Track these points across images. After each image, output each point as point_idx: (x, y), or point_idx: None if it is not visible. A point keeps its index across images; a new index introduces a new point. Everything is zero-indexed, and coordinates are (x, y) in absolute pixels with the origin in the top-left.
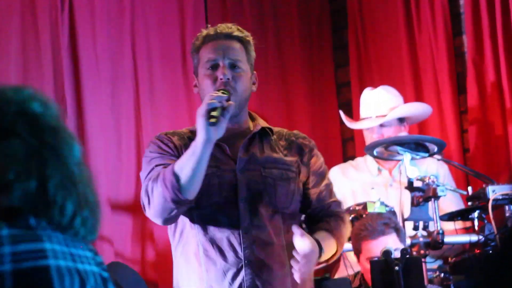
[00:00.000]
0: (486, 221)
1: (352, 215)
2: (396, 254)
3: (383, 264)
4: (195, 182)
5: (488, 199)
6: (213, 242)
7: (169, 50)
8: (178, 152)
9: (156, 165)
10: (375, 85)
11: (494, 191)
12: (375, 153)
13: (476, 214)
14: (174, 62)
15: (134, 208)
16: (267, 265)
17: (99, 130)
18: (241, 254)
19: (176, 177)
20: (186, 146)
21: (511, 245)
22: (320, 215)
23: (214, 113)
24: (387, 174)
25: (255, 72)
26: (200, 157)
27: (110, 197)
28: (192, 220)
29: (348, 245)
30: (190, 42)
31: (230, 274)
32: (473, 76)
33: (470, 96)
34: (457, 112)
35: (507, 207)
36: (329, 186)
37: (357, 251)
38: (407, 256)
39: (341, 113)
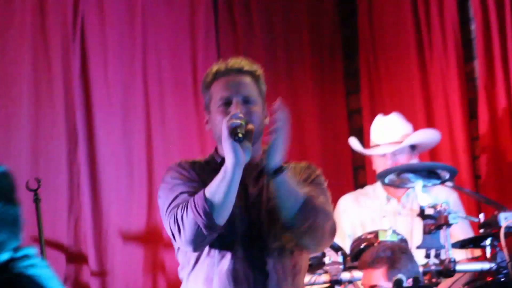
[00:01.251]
0: (498, 249)
1: (364, 244)
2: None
3: None
4: (226, 207)
5: (500, 226)
6: (228, 272)
7: (180, 79)
8: (199, 179)
9: (181, 192)
10: (386, 111)
11: (506, 218)
12: (386, 180)
13: (488, 241)
14: (185, 91)
15: (146, 239)
16: None
17: (111, 160)
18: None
19: (209, 202)
20: (206, 174)
21: None
22: None
23: (238, 130)
24: (395, 203)
25: (265, 104)
26: (231, 181)
27: (122, 228)
28: (211, 248)
29: (359, 274)
30: (202, 71)
31: None
32: (484, 101)
33: (481, 122)
34: (468, 138)
35: None
36: (324, 192)
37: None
38: (420, 284)
39: (353, 140)
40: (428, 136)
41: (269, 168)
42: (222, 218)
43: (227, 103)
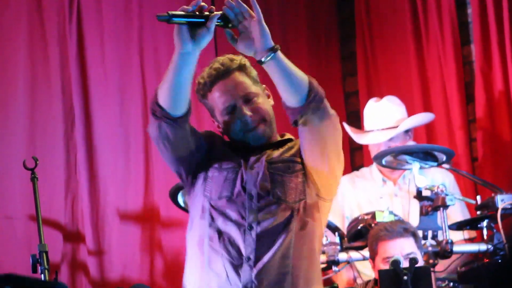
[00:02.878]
0: (495, 230)
1: (361, 225)
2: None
3: (392, 274)
4: (176, 93)
5: (497, 208)
6: (220, 234)
7: None
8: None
9: None
10: (383, 94)
11: (503, 200)
12: (384, 162)
13: (485, 223)
14: None
15: (143, 218)
16: (266, 264)
17: (107, 141)
18: (243, 250)
19: (159, 90)
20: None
21: None
22: None
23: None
24: (391, 185)
25: (264, 86)
26: (178, 67)
27: (119, 207)
28: (203, 210)
29: (357, 255)
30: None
31: (229, 268)
32: (481, 85)
33: (478, 105)
34: (465, 121)
35: None
36: None
37: (373, 253)
38: (416, 265)
39: (346, 126)
40: (422, 119)
41: (266, 47)
42: (175, 104)
43: (232, 111)
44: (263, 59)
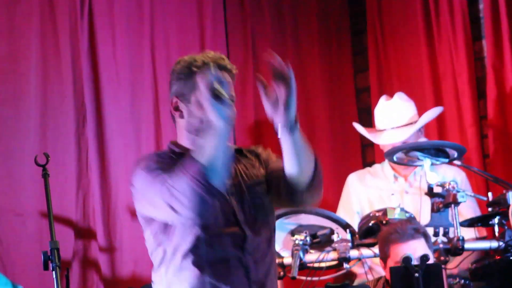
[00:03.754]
0: (506, 227)
1: (372, 222)
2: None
3: (403, 271)
4: (220, 161)
5: (509, 205)
6: (221, 261)
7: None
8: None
9: (161, 173)
10: (394, 90)
11: None
12: (395, 158)
13: (496, 220)
14: None
15: None
16: (265, 285)
17: (119, 136)
18: (247, 273)
19: (201, 161)
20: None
21: None
22: None
23: (219, 92)
24: (403, 181)
25: None
26: (218, 137)
27: (130, 204)
28: (198, 240)
29: (368, 251)
30: (209, 47)
31: None
32: (492, 80)
33: (489, 101)
34: (476, 117)
35: None
36: None
37: (385, 256)
38: (427, 262)
39: (360, 127)
40: (432, 115)
41: (290, 121)
42: (217, 177)
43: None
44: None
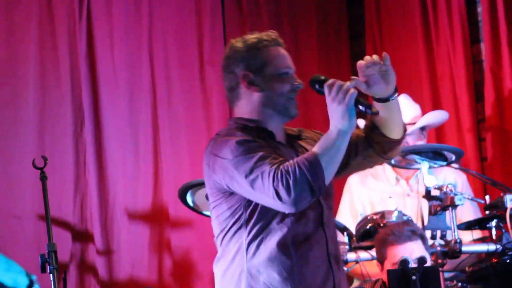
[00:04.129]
0: (503, 230)
1: (370, 224)
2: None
3: (400, 273)
4: (333, 171)
5: (506, 208)
6: (303, 235)
7: (187, 57)
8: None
9: (264, 152)
10: None
11: None
12: (392, 161)
13: (493, 223)
14: (191, 69)
15: (152, 218)
16: (339, 260)
17: (117, 139)
18: (326, 248)
19: (324, 165)
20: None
21: None
22: None
23: (363, 103)
24: (404, 184)
25: None
26: (343, 149)
27: (128, 207)
28: (284, 217)
29: (365, 254)
30: (208, 51)
31: (321, 269)
32: (490, 84)
33: (487, 104)
34: (474, 120)
35: None
36: None
37: (382, 257)
38: (425, 265)
39: (362, 122)
40: (438, 117)
41: (393, 92)
42: (328, 181)
43: (289, 73)
44: (392, 98)
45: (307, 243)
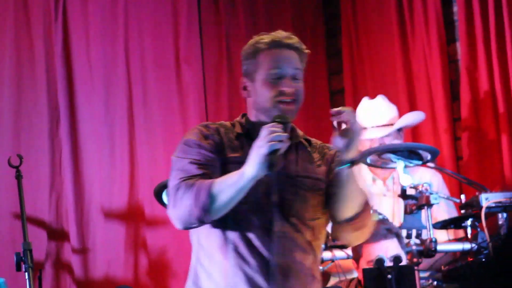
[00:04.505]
0: (479, 229)
1: None
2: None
3: (376, 272)
4: (226, 209)
5: (481, 207)
6: (244, 239)
7: (162, 56)
8: (217, 150)
9: (190, 162)
10: (368, 92)
11: (487, 199)
12: (368, 161)
13: (469, 222)
14: (167, 68)
15: (127, 216)
16: (292, 273)
17: (93, 138)
18: (269, 258)
19: (211, 200)
20: (228, 138)
21: (504, 253)
22: None
23: (274, 158)
24: (381, 184)
25: None
26: (241, 190)
27: (103, 206)
28: (226, 214)
29: (341, 253)
30: (183, 50)
31: (257, 276)
32: (466, 83)
33: (463, 104)
34: (450, 119)
35: (500, 215)
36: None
37: (357, 255)
38: (400, 264)
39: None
40: (415, 118)
41: (347, 161)
42: (215, 216)
43: (278, 77)
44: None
45: (246, 248)
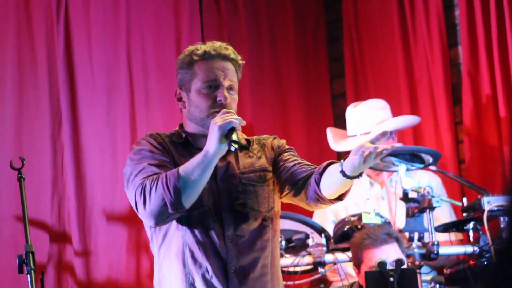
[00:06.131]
0: (481, 232)
1: (347, 226)
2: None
3: (378, 275)
4: (197, 190)
5: (483, 210)
6: (200, 245)
7: (164, 61)
8: (168, 154)
9: (149, 164)
10: (370, 96)
11: (489, 202)
12: None
13: (471, 225)
14: (169, 73)
15: (129, 219)
16: (250, 274)
17: (95, 141)
18: (226, 260)
19: (181, 181)
20: (173, 146)
21: (506, 256)
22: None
23: (234, 137)
24: (378, 188)
25: None
26: (207, 168)
27: (105, 208)
28: (180, 221)
29: (343, 256)
30: None
31: (215, 281)
32: (468, 87)
33: (465, 107)
34: (452, 123)
35: (502, 218)
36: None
37: (358, 261)
38: (402, 267)
39: (329, 133)
40: (403, 122)
41: (350, 176)
42: (189, 201)
43: (213, 87)
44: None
45: (202, 253)
